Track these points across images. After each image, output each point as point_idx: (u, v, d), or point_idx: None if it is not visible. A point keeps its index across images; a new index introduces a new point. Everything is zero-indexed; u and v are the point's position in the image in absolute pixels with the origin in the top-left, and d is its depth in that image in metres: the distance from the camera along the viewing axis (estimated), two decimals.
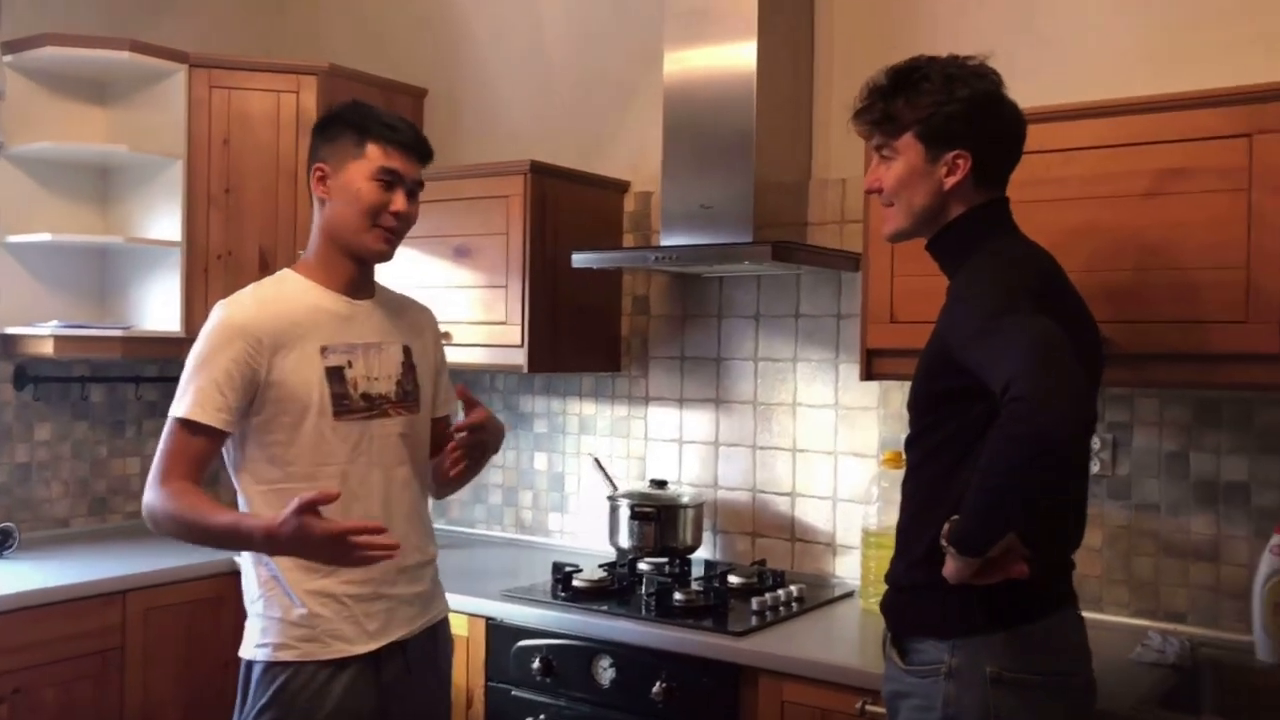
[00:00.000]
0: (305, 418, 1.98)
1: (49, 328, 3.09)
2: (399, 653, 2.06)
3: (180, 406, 1.94)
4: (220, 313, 1.99)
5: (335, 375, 2.01)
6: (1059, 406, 1.50)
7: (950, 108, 1.76)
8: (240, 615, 2.09)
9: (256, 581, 2.01)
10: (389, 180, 2.02)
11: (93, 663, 2.77)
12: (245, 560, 2.04)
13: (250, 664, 2.01)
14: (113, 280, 3.41)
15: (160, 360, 3.50)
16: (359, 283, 2.11)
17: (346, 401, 2.02)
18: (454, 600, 2.67)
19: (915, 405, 1.84)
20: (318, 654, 1.97)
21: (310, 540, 1.78)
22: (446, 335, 2.99)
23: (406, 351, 2.14)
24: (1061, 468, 1.54)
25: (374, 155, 2.01)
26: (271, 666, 1.97)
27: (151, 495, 1.92)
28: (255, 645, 2.00)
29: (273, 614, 1.98)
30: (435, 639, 2.16)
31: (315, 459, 1.99)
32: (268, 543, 1.84)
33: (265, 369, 1.95)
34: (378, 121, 2.03)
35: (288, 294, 2.03)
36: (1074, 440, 1.52)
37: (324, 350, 2.01)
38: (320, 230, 2.07)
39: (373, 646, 2.01)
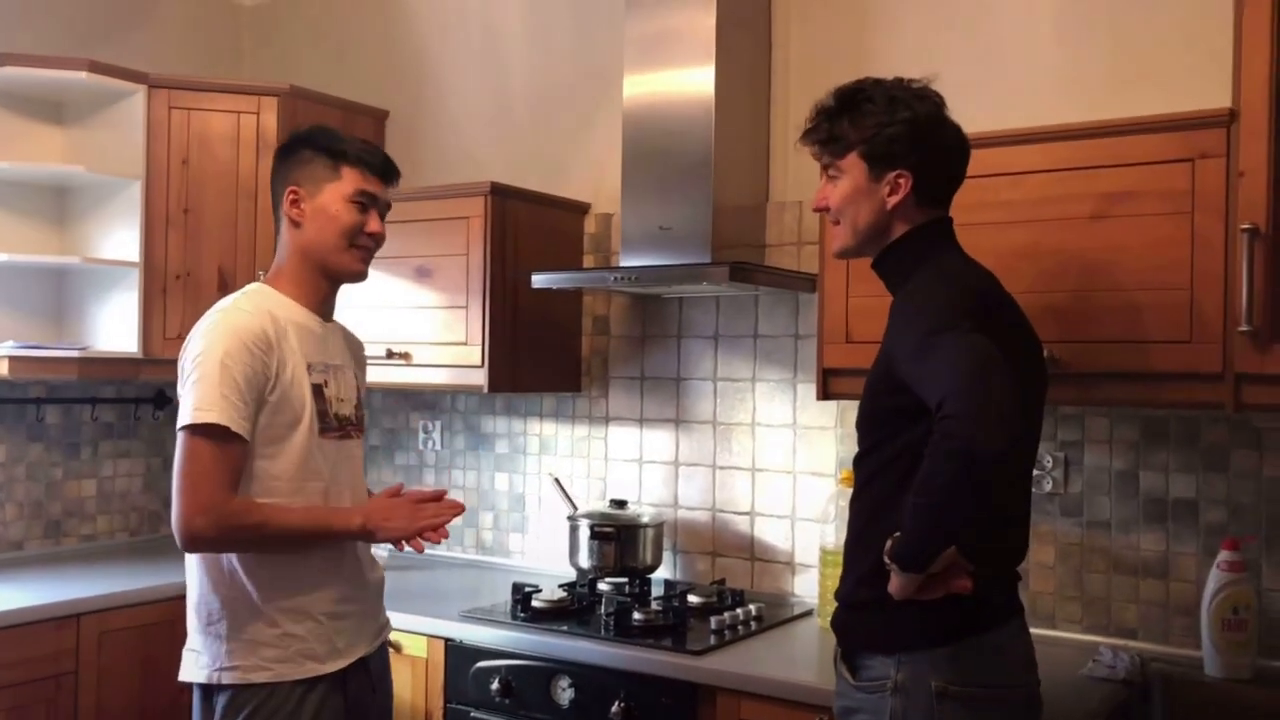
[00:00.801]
0: (296, 431, 1.99)
1: (4, 348, 3.05)
2: (363, 669, 2.09)
3: (208, 413, 1.88)
4: (225, 319, 1.97)
5: (318, 392, 2.05)
6: (988, 423, 1.53)
7: (892, 129, 1.81)
8: None
9: (219, 603, 1.98)
10: (364, 202, 2.07)
11: (46, 687, 2.73)
12: (201, 582, 2.01)
13: (213, 688, 1.98)
14: (70, 300, 3.39)
15: (117, 381, 3.48)
16: (329, 304, 2.15)
17: (327, 419, 2.06)
18: (413, 621, 2.69)
19: (862, 423, 1.87)
20: (291, 674, 1.97)
21: (398, 508, 2.02)
22: (406, 355, 3.04)
23: (356, 377, 2.20)
24: (993, 483, 1.57)
25: (351, 178, 2.06)
26: (243, 689, 1.95)
27: (207, 521, 1.88)
28: (219, 669, 1.97)
29: (242, 635, 1.96)
30: (385, 655, 2.22)
31: (302, 475, 2.00)
32: (365, 523, 2.00)
33: (273, 378, 1.96)
34: (352, 145, 2.08)
35: (274, 307, 2.04)
36: (1004, 456, 1.55)
37: (309, 367, 2.04)
38: (295, 251, 2.09)
39: (342, 664, 2.03)
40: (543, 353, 3.12)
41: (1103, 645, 2.40)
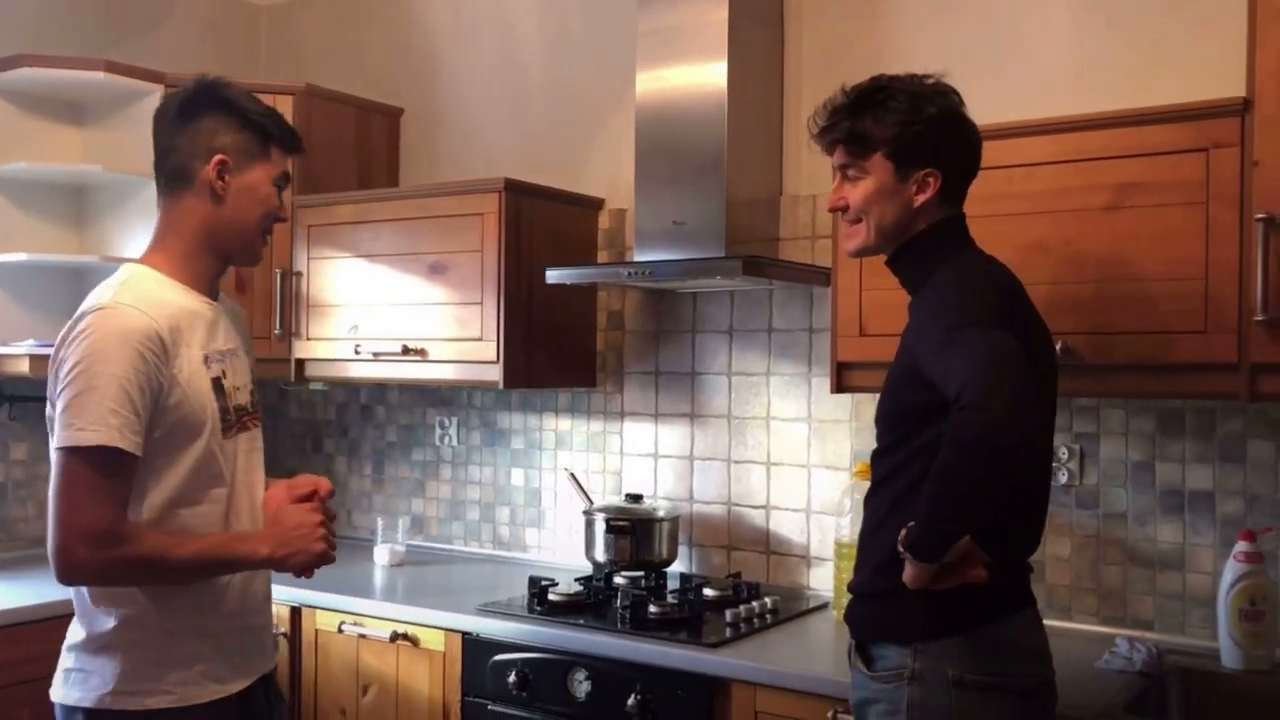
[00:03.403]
0: (199, 436, 1.78)
1: (25, 347, 3.08)
2: (261, 686, 1.93)
3: (93, 433, 1.65)
4: (109, 321, 1.72)
5: (217, 387, 1.82)
6: (1004, 414, 1.54)
7: (919, 127, 1.80)
8: None
9: (115, 618, 1.76)
10: (281, 185, 1.92)
11: None
12: (91, 594, 1.79)
13: (99, 713, 1.75)
14: None
15: None
16: (216, 283, 1.93)
17: (228, 416, 1.84)
18: (431, 615, 2.71)
19: (883, 420, 1.87)
20: (195, 697, 1.78)
21: (309, 524, 1.81)
22: (422, 351, 3.04)
23: (248, 354, 1.97)
24: (1008, 473, 1.57)
25: (278, 161, 1.90)
26: (152, 716, 1.75)
27: (90, 551, 1.66)
28: (109, 692, 1.75)
29: (143, 654, 1.76)
30: (276, 666, 2.04)
31: (203, 482, 1.80)
32: (271, 554, 1.79)
33: (167, 381, 1.74)
34: (275, 122, 1.90)
35: (161, 295, 1.80)
36: (1019, 447, 1.55)
37: (206, 359, 1.82)
38: (201, 225, 1.85)
39: (244, 684, 1.87)
40: (557, 348, 3.13)
41: (1119, 637, 2.39)
